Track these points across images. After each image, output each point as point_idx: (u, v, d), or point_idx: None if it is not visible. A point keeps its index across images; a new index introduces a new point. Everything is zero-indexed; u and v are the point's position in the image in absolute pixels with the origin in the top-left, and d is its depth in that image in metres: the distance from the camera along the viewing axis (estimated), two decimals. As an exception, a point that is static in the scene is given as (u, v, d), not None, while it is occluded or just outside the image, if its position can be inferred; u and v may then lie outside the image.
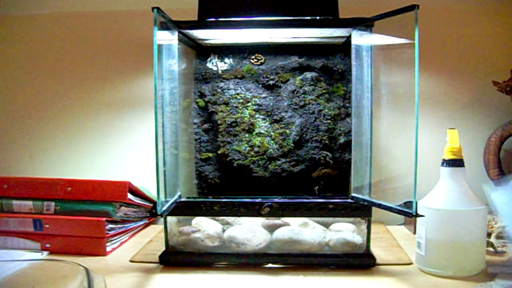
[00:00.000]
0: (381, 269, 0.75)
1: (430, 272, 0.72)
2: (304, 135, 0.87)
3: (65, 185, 0.85)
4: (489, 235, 0.83)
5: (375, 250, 0.80)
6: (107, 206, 0.84)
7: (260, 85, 0.91)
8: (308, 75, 0.90)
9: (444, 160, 0.74)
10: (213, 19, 0.82)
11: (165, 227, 0.79)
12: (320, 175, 0.88)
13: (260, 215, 0.76)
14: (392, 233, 0.95)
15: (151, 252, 0.83)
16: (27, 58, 1.12)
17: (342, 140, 0.89)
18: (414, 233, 0.90)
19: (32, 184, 0.86)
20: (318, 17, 0.80)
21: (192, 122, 0.93)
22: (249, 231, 0.78)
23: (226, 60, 0.93)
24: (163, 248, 0.80)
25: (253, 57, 0.92)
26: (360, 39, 0.79)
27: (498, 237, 0.84)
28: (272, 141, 0.88)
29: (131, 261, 0.80)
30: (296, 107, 0.89)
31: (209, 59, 0.93)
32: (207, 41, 0.91)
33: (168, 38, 0.77)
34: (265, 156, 0.87)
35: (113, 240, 0.86)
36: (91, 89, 1.10)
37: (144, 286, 0.69)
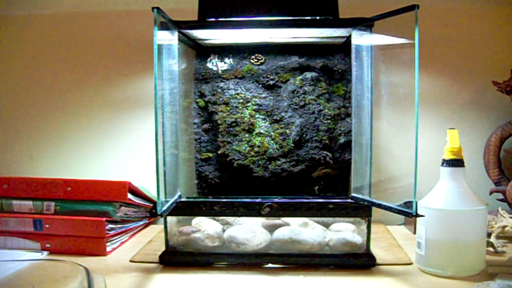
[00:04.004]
0: (381, 269, 0.75)
1: (430, 272, 0.72)
2: (304, 135, 0.87)
3: (65, 185, 0.85)
4: (489, 235, 0.83)
5: (375, 250, 0.80)
6: (107, 206, 0.84)
7: (260, 85, 0.91)
8: (308, 75, 0.89)
9: (444, 160, 0.74)
10: (213, 19, 0.82)
11: (165, 227, 0.79)
12: (320, 175, 0.88)
13: (260, 215, 0.76)
14: (392, 233, 0.95)
15: (151, 252, 0.83)
16: (27, 58, 1.11)
17: (342, 140, 0.89)
18: (414, 233, 0.90)
19: (32, 184, 0.86)
20: (318, 17, 0.80)
21: (192, 122, 0.93)
22: (249, 231, 0.78)
23: (226, 60, 0.93)
24: (163, 248, 0.79)
25: (253, 57, 0.92)
26: (360, 39, 0.79)
27: (498, 237, 0.85)
28: (272, 141, 0.88)
29: (131, 261, 0.80)
30: (296, 107, 0.89)
31: (209, 59, 0.93)
32: (207, 41, 0.91)
33: (168, 38, 0.77)
34: (265, 156, 0.87)
35: (113, 240, 0.86)
36: (91, 89, 1.10)
37: (144, 286, 0.69)
